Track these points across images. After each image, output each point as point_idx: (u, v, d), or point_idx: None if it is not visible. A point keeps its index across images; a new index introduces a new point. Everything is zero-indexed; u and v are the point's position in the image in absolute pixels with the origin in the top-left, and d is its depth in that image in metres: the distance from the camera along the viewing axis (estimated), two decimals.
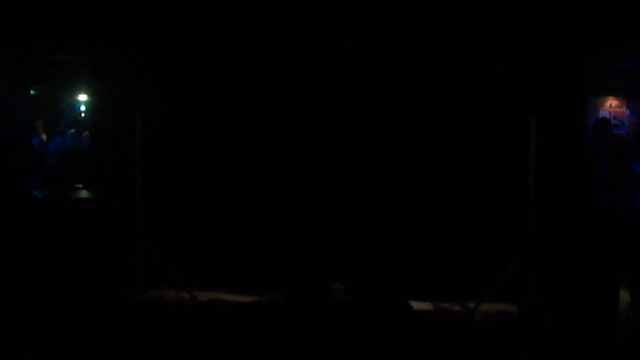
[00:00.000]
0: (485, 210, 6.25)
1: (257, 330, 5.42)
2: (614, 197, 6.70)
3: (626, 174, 6.25)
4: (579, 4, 6.14)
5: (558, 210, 6.13)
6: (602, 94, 10.62)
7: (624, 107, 10.79)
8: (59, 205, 6.67)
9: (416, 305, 6.03)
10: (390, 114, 6.37)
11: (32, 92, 9.07)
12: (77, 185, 7.55)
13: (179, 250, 6.44)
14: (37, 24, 6.65)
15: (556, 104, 6.17)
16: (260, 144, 6.50)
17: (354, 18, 6.37)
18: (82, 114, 12.21)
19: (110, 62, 6.63)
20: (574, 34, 6.21)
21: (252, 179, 6.51)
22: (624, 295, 5.64)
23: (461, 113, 6.31)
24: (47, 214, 6.58)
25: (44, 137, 10.81)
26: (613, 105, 10.74)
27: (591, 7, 6.13)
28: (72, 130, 10.08)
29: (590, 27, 6.21)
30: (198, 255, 6.49)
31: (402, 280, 6.27)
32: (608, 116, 10.52)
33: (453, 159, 6.31)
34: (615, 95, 10.77)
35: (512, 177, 6.10)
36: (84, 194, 7.11)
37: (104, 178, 6.68)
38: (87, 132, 9.55)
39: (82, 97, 12.88)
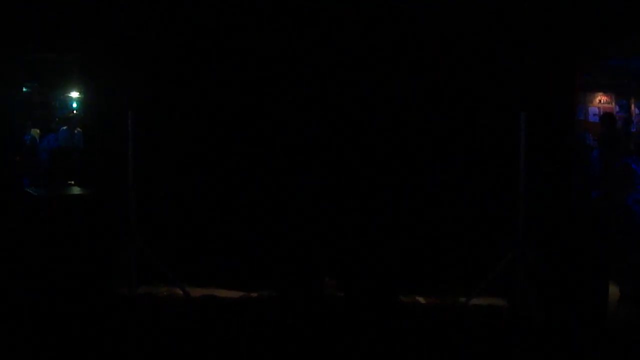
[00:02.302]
0: (476, 206, 6.29)
1: (250, 327, 5.44)
2: (604, 193, 6.73)
3: (620, 169, 6.28)
4: (569, 3, 6.17)
5: (549, 206, 6.16)
6: (591, 90, 10.66)
7: (613, 103, 10.84)
8: (51, 202, 6.68)
9: (407, 300, 6.06)
10: (382, 112, 6.40)
11: (24, 89, 9.05)
12: (69, 182, 7.56)
13: (172, 247, 6.45)
14: (30, 22, 6.64)
15: (546, 101, 6.19)
16: (251, 142, 6.52)
17: (346, 13, 6.39)
18: (75, 111, 12.22)
19: (103, 60, 6.64)
20: (564, 31, 6.24)
21: (243, 176, 6.53)
22: (614, 290, 5.68)
23: (452, 112, 6.34)
24: (40, 211, 6.59)
25: (35, 134, 10.82)
26: (602, 101, 10.79)
27: (580, 4, 6.16)
28: (65, 128, 10.09)
29: (579, 24, 6.24)
30: (191, 251, 6.51)
31: (394, 275, 6.30)
32: (598, 112, 10.58)
33: (444, 156, 6.35)
34: (605, 91, 10.82)
35: (503, 173, 6.13)
36: (76, 190, 7.12)
37: (96, 175, 6.69)
38: (79, 129, 9.57)
39: (75, 95, 12.90)
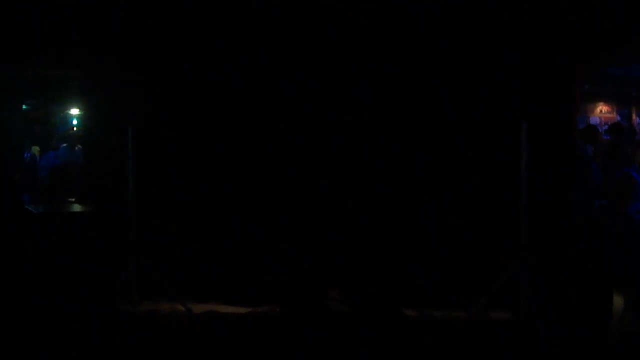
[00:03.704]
0: (478, 218, 6.27)
1: (253, 342, 5.42)
2: (606, 203, 6.71)
3: (621, 179, 6.25)
4: (568, 12, 6.17)
5: (551, 217, 6.15)
6: (592, 100, 10.67)
7: (614, 113, 10.85)
8: (51, 220, 6.67)
9: (411, 313, 6.04)
10: (386, 121, 6.39)
11: (23, 106, 9.06)
12: (70, 199, 7.55)
13: (173, 263, 6.43)
14: (29, 39, 6.66)
15: (547, 111, 6.19)
16: (253, 156, 6.51)
17: (347, 25, 6.40)
18: (75, 128, 12.24)
19: (102, 76, 6.64)
20: (564, 41, 6.24)
21: (245, 190, 6.52)
22: (618, 301, 5.64)
23: (453, 123, 6.33)
24: (40, 228, 6.57)
25: (35, 151, 10.83)
26: (603, 111, 10.80)
27: (580, 15, 6.17)
28: (65, 145, 10.10)
29: (579, 33, 6.24)
30: (193, 267, 6.49)
31: (397, 288, 6.28)
32: (599, 122, 10.58)
33: (446, 167, 6.34)
34: (606, 101, 10.83)
35: (505, 184, 6.12)
36: (76, 208, 7.11)
37: (97, 191, 6.68)
38: (79, 146, 9.58)
39: (74, 111, 12.92)
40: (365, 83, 6.41)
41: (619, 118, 10.70)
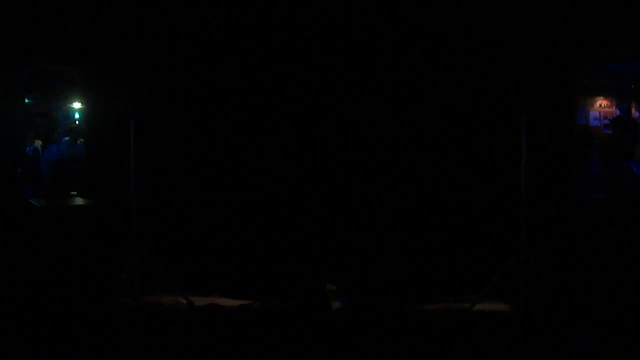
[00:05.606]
0: (478, 211, 6.29)
1: (254, 335, 5.45)
2: (605, 197, 6.74)
3: (622, 172, 6.29)
4: (569, 6, 6.18)
5: (551, 210, 6.17)
6: (591, 94, 10.65)
7: (614, 107, 10.83)
8: (54, 213, 6.69)
9: (410, 306, 6.07)
10: (385, 116, 6.39)
11: (26, 100, 9.08)
12: (72, 193, 7.57)
13: (175, 256, 6.45)
14: (31, 34, 6.67)
15: (547, 106, 6.21)
16: (255, 151, 6.53)
17: (347, 19, 6.41)
18: (77, 122, 12.27)
19: (103, 69, 6.65)
20: (563, 35, 6.25)
21: (245, 184, 6.53)
22: (616, 293, 5.68)
23: (453, 118, 6.34)
24: (43, 222, 6.60)
25: (38, 145, 10.86)
26: (603, 105, 10.78)
27: (581, 9, 6.18)
28: (67, 138, 10.13)
29: (580, 28, 6.25)
30: (194, 260, 6.51)
31: (397, 281, 6.30)
32: (598, 116, 10.57)
33: (445, 161, 6.35)
34: (605, 95, 10.81)
35: (505, 178, 6.13)
36: (79, 201, 7.13)
37: (99, 185, 6.70)
38: (81, 140, 9.60)
39: (77, 105, 12.95)
40: (361, 76, 6.42)
41: (618, 112, 10.68)
